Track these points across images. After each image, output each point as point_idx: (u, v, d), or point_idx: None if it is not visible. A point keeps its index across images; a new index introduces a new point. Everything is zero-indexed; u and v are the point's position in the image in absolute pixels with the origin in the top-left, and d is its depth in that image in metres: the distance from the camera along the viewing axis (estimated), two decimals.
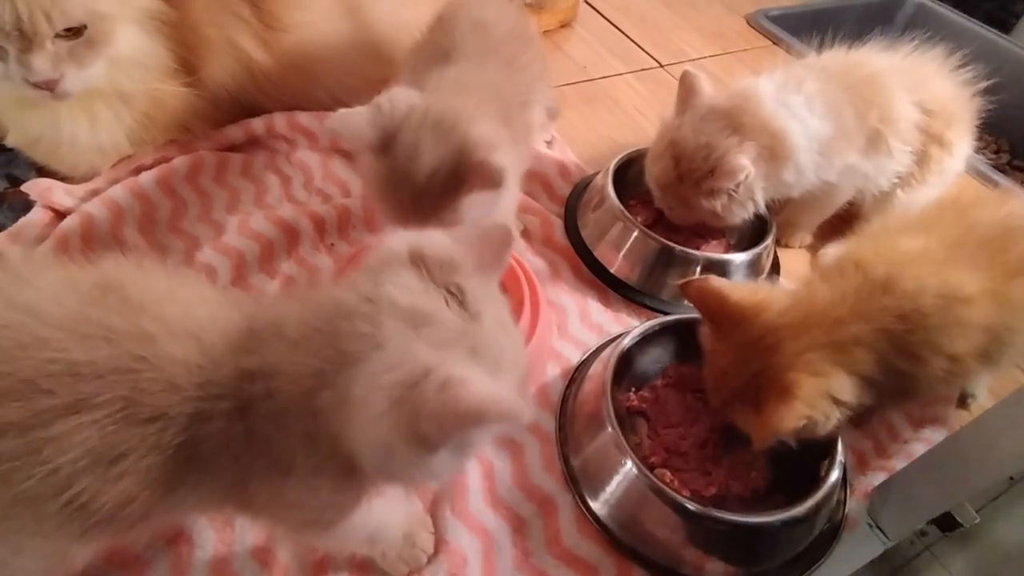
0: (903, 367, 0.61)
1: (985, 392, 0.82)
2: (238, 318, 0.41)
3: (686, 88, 0.84)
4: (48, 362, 0.35)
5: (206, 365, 0.38)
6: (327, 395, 0.37)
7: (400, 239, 0.42)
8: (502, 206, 0.69)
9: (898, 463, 0.71)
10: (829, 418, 0.59)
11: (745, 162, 0.78)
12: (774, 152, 0.81)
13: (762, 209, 0.86)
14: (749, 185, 0.81)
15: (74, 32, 0.69)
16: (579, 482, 0.67)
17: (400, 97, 0.64)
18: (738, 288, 0.64)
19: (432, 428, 0.35)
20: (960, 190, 0.77)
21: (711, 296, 0.64)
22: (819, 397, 0.58)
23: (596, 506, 0.65)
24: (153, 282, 0.41)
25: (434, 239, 0.42)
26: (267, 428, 0.39)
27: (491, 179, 0.61)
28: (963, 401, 0.81)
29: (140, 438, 0.37)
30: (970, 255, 0.65)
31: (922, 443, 0.74)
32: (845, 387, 0.59)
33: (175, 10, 0.82)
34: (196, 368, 0.38)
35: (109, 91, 0.79)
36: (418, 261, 0.40)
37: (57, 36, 0.68)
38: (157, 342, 0.37)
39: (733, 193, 0.81)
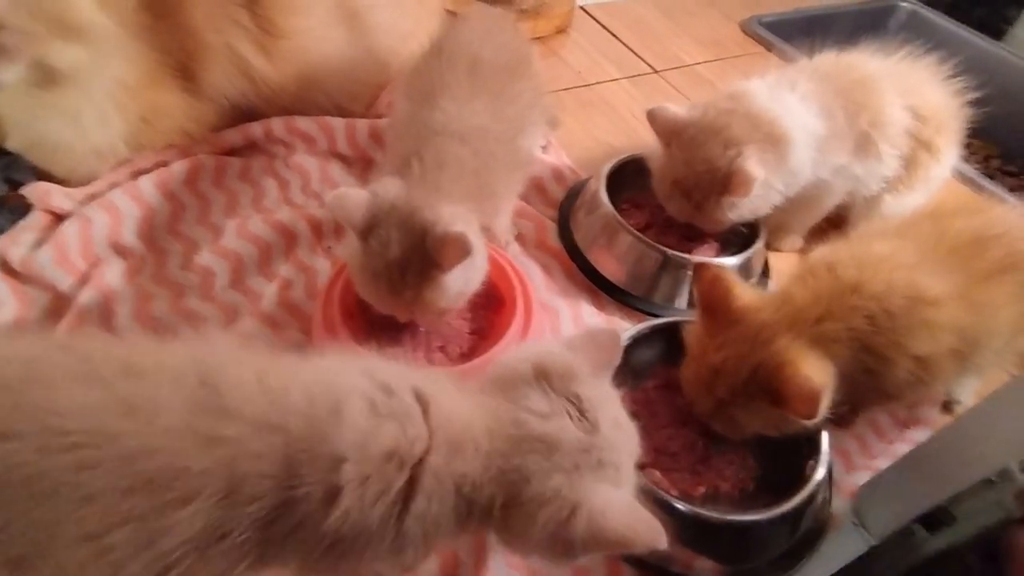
0: (871, 366, 0.62)
1: (971, 397, 0.82)
2: (328, 404, 0.42)
3: (658, 124, 0.85)
4: (166, 465, 0.37)
5: (294, 455, 0.40)
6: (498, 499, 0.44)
7: (522, 355, 0.49)
8: (477, 267, 0.69)
9: (883, 462, 0.73)
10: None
11: (755, 168, 0.78)
12: (774, 140, 0.81)
13: (776, 201, 0.86)
14: (764, 182, 0.81)
15: None
16: None
17: (391, 189, 0.65)
18: (748, 291, 0.65)
19: (585, 553, 0.43)
20: (941, 200, 0.78)
21: (720, 288, 0.64)
22: (821, 366, 0.60)
23: None
24: (244, 372, 0.42)
25: (552, 350, 0.49)
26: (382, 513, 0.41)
27: (460, 249, 0.61)
28: (948, 407, 0.82)
29: (239, 519, 0.38)
30: (940, 260, 0.66)
31: (907, 443, 0.75)
32: (830, 374, 0.60)
33: (165, 20, 0.83)
34: (283, 458, 0.39)
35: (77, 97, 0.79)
36: (541, 377, 0.47)
37: None
38: (243, 443, 0.39)
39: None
